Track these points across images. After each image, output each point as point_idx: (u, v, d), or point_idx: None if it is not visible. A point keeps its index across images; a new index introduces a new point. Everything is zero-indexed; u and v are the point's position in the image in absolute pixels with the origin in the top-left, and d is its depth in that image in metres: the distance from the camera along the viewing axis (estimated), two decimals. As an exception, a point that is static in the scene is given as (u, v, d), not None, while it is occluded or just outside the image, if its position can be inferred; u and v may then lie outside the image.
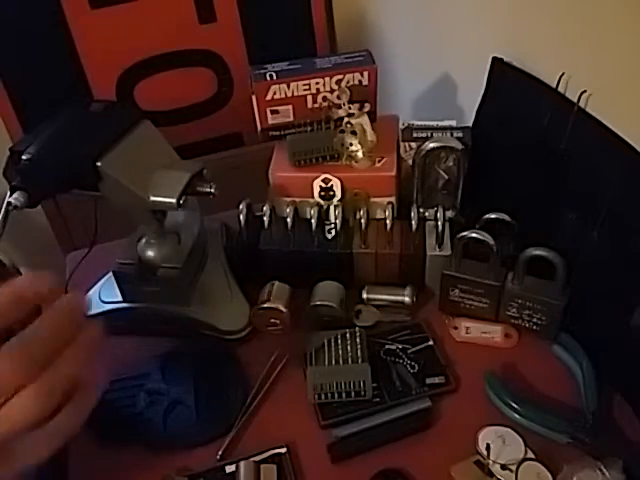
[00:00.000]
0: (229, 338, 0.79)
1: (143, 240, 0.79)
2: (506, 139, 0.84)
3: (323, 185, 0.83)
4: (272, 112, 0.86)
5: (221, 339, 0.79)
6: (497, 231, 0.75)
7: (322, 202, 0.84)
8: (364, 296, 0.82)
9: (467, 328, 0.79)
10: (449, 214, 0.83)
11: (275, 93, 0.84)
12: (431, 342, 0.77)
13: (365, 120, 0.84)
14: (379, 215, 0.84)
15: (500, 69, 0.82)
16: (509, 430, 0.67)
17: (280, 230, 0.83)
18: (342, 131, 0.84)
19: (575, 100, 0.70)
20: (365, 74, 0.85)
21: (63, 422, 0.41)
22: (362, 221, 0.80)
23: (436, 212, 0.81)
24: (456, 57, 1.00)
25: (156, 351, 0.78)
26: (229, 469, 0.66)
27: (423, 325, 0.79)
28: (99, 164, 0.66)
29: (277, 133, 0.88)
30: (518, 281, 0.75)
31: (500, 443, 0.66)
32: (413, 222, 0.80)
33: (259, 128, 0.88)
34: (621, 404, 0.70)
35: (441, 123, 0.85)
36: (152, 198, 0.69)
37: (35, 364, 0.37)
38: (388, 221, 0.80)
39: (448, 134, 0.82)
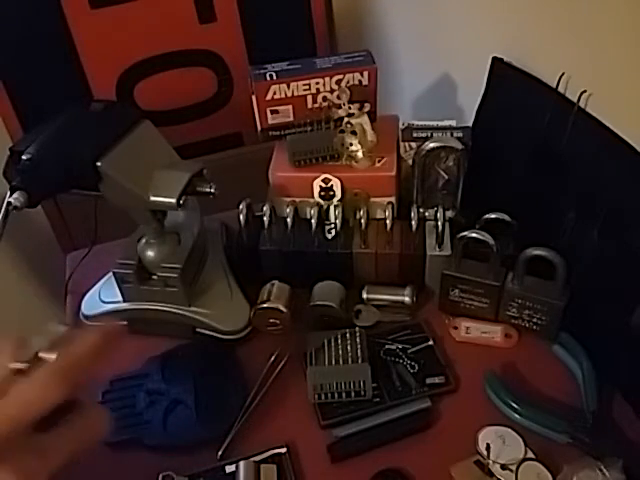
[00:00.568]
0: (229, 338, 0.79)
1: (143, 240, 0.79)
2: (506, 139, 0.84)
3: (323, 185, 0.83)
4: (272, 112, 0.86)
5: (221, 339, 0.79)
6: (497, 231, 0.75)
7: (322, 202, 0.84)
8: (364, 296, 0.82)
9: (467, 328, 0.79)
10: (449, 214, 0.83)
11: (275, 93, 0.84)
12: (431, 342, 0.77)
13: (365, 120, 0.84)
14: (379, 215, 0.84)
15: (500, 69, 0.82)
16: (509, 430, 0.67)
17: (280, 230, 0.83)
18: (342, 131, 0.84)
19: (575, 100, 0.70)
20: (365, 74, 0.85)
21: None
22: (362, 221, 0.80)
23: (436, 212, 0.81)
24: (456, 57, 1.00)
25: (156, 351, 0.78)
26: (229, 469, 0.66)
27: (423, 325, 0.79)
28: (99, 164, 0.66)
29: (277, 133, 0.88)
30: (518, 281, 0.75)
31: (500, 443, 0.66)
32: (413, 222, 0.80)
33: (259, 128, 0.88)
34: (621, 404, 0.70)
35: (441, 123, 0.85)
36: (152, 198, 0.69)
37: None
38: (388, 221, 0.80)
39: (448, 134, 0.82)
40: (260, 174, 0.86)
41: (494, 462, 0.65)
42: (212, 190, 0.71)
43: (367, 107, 0.84)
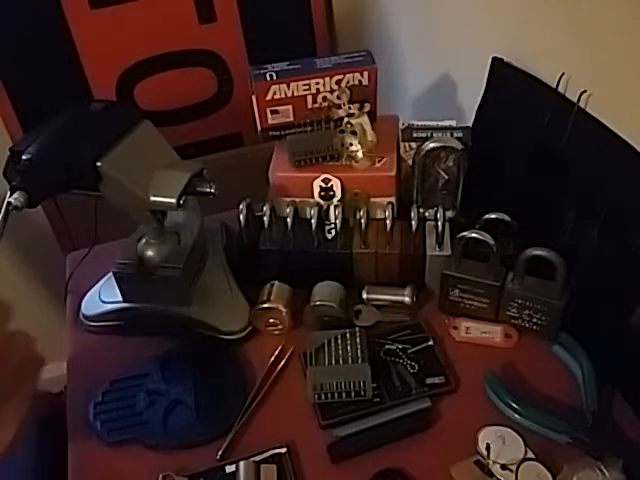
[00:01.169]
0: (229, 338, 0.79)
1: (143, 240, 0.79)
2: (506, 139, 0.84)
3: (323, 185, 0.83)
4: (272, 112, 0.86)
5: (221, 339, 0.79)
6: (497, 231, 0.75)
7: (322, 202, 0.84)
8: (364, 296, 0.82)
9: (467, 328, 0.79)
10: (449, 214, 0.83)
11: (275, 93, 0.84)
12: (431, 342, 0.77)
13: (365, 120, 0.84)
14: (379, 215, 0.84)
15: (500, 69, 0.82)
16: (509, 430, 0.67)
17: (280, 230, 0.83)
18: (342, 131, 0.84)
19: (575, 100, 0.70)
20: (365, 74, 0.85)
21: None
22: (362, 221, 0.80)
23: (436, 212, 0.81)
24: (456, 57, 1.00)
25: (156, 351, 0.78)
26: (229, 469, 0.66)
27: (423, 325, 0.79)
28: (99, 164, 0.66)
29: (277, 133, 0.88)
30: (518, 281, 0.75)
31: (500, 443, 0.66)
32: (413, 222, 0.80)
33: (259, 128, 0.88)
34: (621, 404, 0.70)
35: (441, 123, 0.85)
36: (152, 198, 0.69)
37: None
38: (388, 221, 0.80)
39: (448, 134, 0.82)
40: (260, 174, 0.86)
41: (494, 462, 0.65)
42: (212, 190, 0.71)
43: (367, 107, 0.84)
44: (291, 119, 0.87)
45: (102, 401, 0.73)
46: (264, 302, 0.79)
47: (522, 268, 0.73)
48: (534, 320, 0.76)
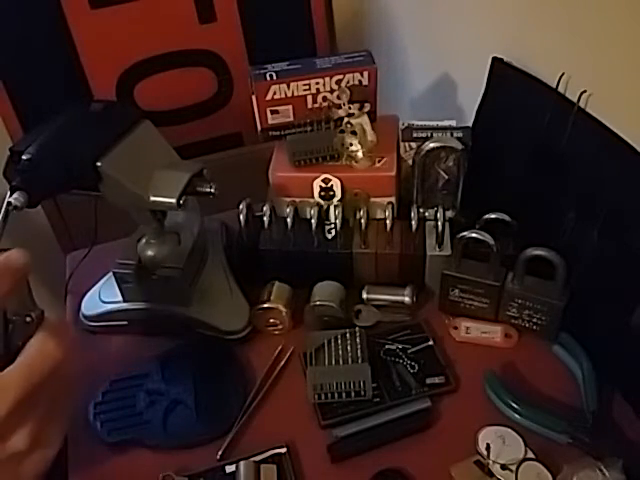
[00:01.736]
0: (229, 338, 0.79)
1: (143, 240, 0.79)
2: (506, 139, 0.84)
3: (323, 185, 0.83)
4: (272, 112, 0.86)
5: (221, 339, 0.79)
6: (497, 231, 0.75)
7: (322, 202, 0.84)
8: (364, 296, 0.82)
9: (467, 328, 0.79)
10: (449, 214, 0.83)
11: (275, 93, 0.84)
12: (431, 342, 0.77)
13: (365, 120, 0.84)
14: (379, 215, 0.84)
15: (500, 69, 0.82)
16: (509, 430, 0.67)
17: (280, 230, 0.83)
18: (342, 131, 0.84)
19: (575, 100, 0.70)
20: (365, 74, 0.85)
21: None
22: (362, 221, 0.80)
23: (436, 212, 0.81)
24: (456, 57, 1.00)
25: (156, 351, 0.78)
26: (229, 469, 0.66)
27: (423, 325, 0.79)
28: (99, 164, 0.66)
29: (277, 133, 0.88)
30: (518, 281, 0.75)
31: (500, 443, 0.66)
32: (413, 222, 0.80)
33: (259, 128, 0.88)
34: (621, 404, 0.70)
35: (441, 123, 0.85)
36: (152, 198, 0.69)
37: None
38: (388, 221, 0.80)
39: (448, 134, 0.82)
40: (260, 174, 0.86)
41: (494, 462, 0.65)
42: (212, 190, 0.71)
43: (367, 107, 0.84)
44: (291, 119, 0.87)
45: (102, 401, 0.73)
46: (264, 302, 0.79)
47: (522, 268, 0.73)
48: (534, 320, 0.76)
